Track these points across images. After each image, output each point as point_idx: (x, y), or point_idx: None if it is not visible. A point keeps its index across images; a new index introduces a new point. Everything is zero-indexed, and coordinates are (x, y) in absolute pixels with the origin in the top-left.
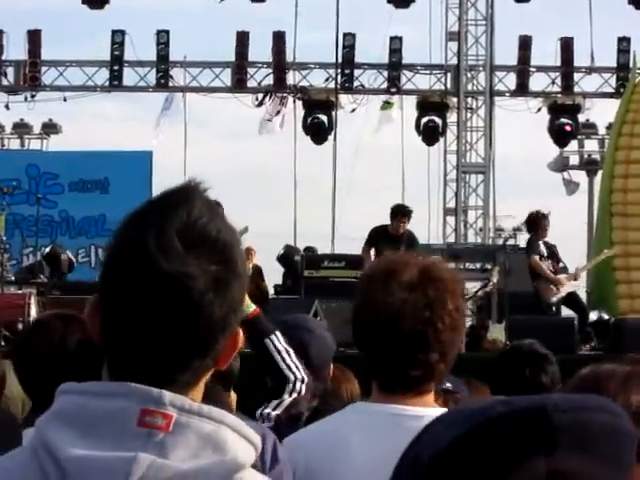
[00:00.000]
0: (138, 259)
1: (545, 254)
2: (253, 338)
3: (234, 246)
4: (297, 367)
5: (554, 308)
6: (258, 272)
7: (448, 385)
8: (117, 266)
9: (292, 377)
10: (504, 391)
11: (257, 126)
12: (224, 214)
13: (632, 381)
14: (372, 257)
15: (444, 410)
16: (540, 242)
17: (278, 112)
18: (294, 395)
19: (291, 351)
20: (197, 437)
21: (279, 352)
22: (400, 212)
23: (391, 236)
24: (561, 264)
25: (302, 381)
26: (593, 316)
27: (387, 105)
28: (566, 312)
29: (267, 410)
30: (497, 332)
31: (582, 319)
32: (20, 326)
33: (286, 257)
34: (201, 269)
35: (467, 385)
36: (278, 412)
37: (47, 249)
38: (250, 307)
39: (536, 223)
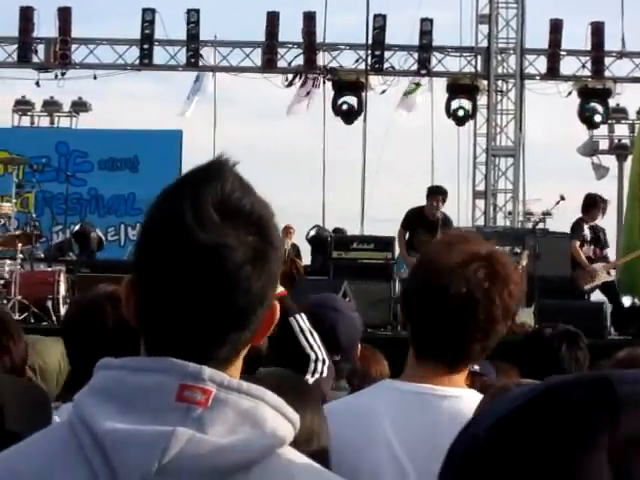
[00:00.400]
0: (175, 231)
1: (588, 239)
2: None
3: (269, 219)
4: (319, 348)
5: (586, 296)
6: (296, 251)
7: (476, 367)
8: (153, 240)
9: (313, 356)
10: (535, 374)
11: (287, 106)
12: (254, 189)
13: None
14: (406, 239)
15: (473, 391)
16: (585, 226)
17: (308, 93)
18: (316, 376)
19: (314, 332)
20: (236, 413)
21: (302, 331)
22: (435, 192)
23: (427, 219)
24: (606, 250)
25: (323, 362)
26: (626, 302)
27: (413, 87)
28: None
29: None
30: (526, 316)
31: (617, 308)
32: (49, 304)
33: (316, 238)
34: (239, 240)
35: (495, 368)
36: None
37: (76, 227)
38: (279, 288)
39: (591, 205)
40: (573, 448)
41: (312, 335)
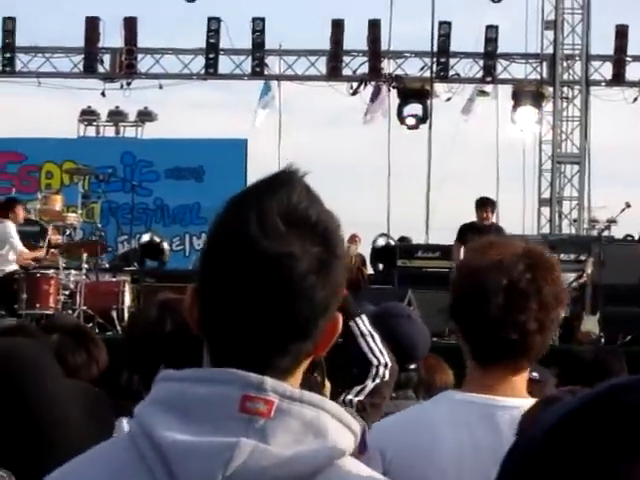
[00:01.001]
0: (240, 240)
1: None
2: None
3: (335, 230)
4: (381, 352)
5: None
6: (362, 259)
7: (535, 375)
8: (218, 248)
9: (375, 361)
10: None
11: (352, 114)
12: (320, 198)
13: None
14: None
15: (534, 400)
16: None
17: (375, 100)
18: (377, 381)
19: (376, 335)
20: (298, 423)
21: (363, 335)
22: (483, 203)
23: (479, 229)
24: None
25: (385, 366)
26: None
27: (482, 94)
28: None
29: (349, 397)
30: (591, 324)
31: None
32: (114, 314)
33: (382, 246)
34: (303, 250)
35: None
36: (360, 398)
37: (145, 237)
38: None
39: None
40: (630, 453)
41: (373, 338)
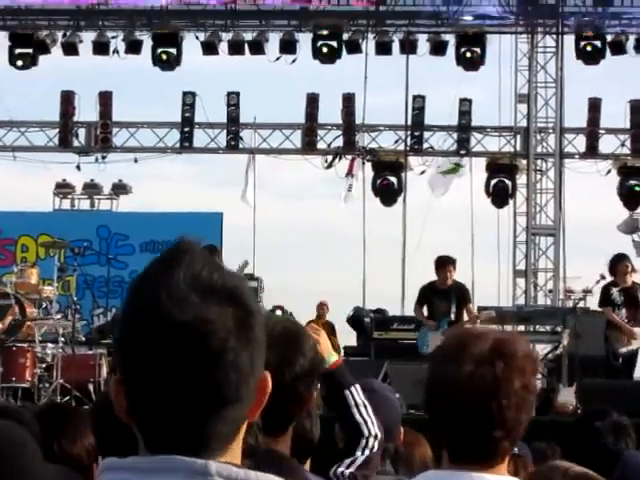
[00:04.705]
0: (152, 314)
1: (619, 303)
2: (332, 389)
3: (243, 288)
4: (372, 422)
5: (621, 359)
6: (331, 328)
7: (515, 450)
8: (133, 329)
9: (366, 432)
10: (579, 458)
11: (326, 187)
12: (222, 262)
13: None
14: (425, 314)
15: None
16: (614, 290)
17: (351, 175)
18: (366, 452)
19: (368, 406)
20: None
21: (357, 405)
22: (444, 262)
23: (440, 290)
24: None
25: (375, 437)
26: None
27: (451, 167)
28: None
29: (340, 469)
30: (567, 395)
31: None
32: (91, 387)
33: (355, 319)
34: (217, 314)
35: (534, 449)
36: (352, 470)
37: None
38: (332, 357)
39: (613, 267)
40: None
41: (366, 409)
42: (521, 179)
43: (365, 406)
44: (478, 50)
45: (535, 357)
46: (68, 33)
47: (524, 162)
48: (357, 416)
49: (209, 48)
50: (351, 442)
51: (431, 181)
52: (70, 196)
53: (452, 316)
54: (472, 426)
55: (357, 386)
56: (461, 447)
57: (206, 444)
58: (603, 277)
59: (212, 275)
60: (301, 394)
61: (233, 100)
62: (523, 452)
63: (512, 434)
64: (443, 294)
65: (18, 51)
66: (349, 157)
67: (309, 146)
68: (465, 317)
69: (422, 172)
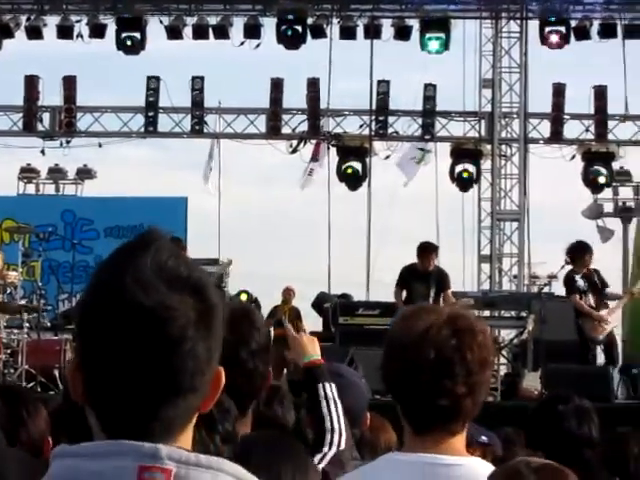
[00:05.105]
0: (115, 296)
1: (584, 288)
2: (308, 382)
3: (207, 282)
4: (339, 420)
5: (602, 346)
6: (296, 314)
7: (484, 439)
8: (95, 310)
9: (329, 426)
10: (542, 443)
11: (291, 172)
12: (187, 255)
13: None
14: (403, 297)
15: (475, 459)
16: (577, 277)
17: (316, 159)
18: (333, 448)
19: (339, 404)
20: None
21: (327, 399)
22: (427, 249)
23: (420, 273)
24: (607, 290)
25: (340, 434)
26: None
27: (421, 155)
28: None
29: None
30: (532, 380)
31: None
32: (56, 372)
33: (319, 305)
34: (181, 301)
35: (501, 433)
36: (322, 465)
37: None
38: (316, 355)
39: (581, 256)
40: None
41: (335, 406)
42: (485, 164)
43: (335, 403)
44: (442, 35)
45: (488, 329)
46: (32, 17)
47: (488, 147)
48: (324, 409)
49: (173, 32)
50: (317, 437)
51: (401, 164)
52: (35, 181)
53: (430, 301)
54: (432, 383)
55: (333, 385)
56: (422, 412)
57: (158, 431)
58: (568, 262)
59: (178, 265)
60: (260, 371)
61: (197, 84)
62: (493, 441)
63: (474, 393)
64: (423, 278)
65: None
66: (314, 142)
67: (274, 131)
68: (441, 304)
69: (387, 157)
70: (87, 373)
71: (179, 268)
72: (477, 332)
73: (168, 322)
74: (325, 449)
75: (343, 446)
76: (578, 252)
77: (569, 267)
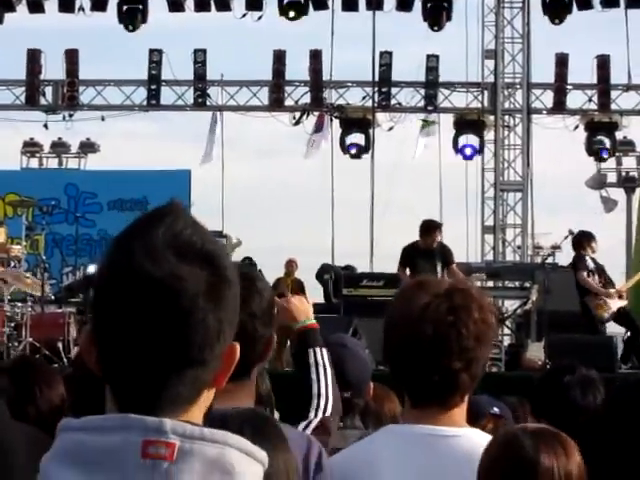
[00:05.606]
0: (125, 268)
1: (593, 268)
2: (300, 348)
3: (221, 254)
4: (326, 385)
5: (606, 325)
6: (299, 286)
7: (496, 410)
8: (107, 282)
9: (316, 392)
10: (547, 412)
11: (294, 143)
12: (206, 227)
13: None
14: (407, 276)
15: (474, 430)
16: (587, 257)
17: (319, 131)
18: (319, 414)
19: (329, 370)
20: (202, 462)
21: (317, 365)
22: (431, 227)
23: (423, 251)
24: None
25: (326, 400)
26: None
27: (426, 124)
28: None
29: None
30: (536, 350)
31: (635, 336)
32: (60, 345)
33: (322, 276)
34: (191, 273)
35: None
36: (309, 431)
37: (90, 268)
38: (309, 320)
39: (587, 241)
40: None
41: (325, 371)
42: (489, 135)
43: (325, 368)
44: (445, 5)
45: (491, 300)
46: None
47: (491, 118)
48: (313, 375)
49: (175, 5)
50: (303, 402)
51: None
52: (38, 155)
53: (438, 276)
54: (429, 359)
55: (324, 350)
56: (419, 386)
57: (165, 404)
58: (571, 233)
59: (192, 236)
60: (261, 334)
61: (200, 57)
62: (504, 412)
63: (471, 367)
64: (427, 255)
65: None
66: (316, 114)
67: (276, 103)
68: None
69: (390, 128)
70: (100, 345)
71: (192, 238)
72: (474, 308)
73: (177, 293)
74: (311, 415)
75: (329, 412)
76: (588, 239)
77: (571, 237)
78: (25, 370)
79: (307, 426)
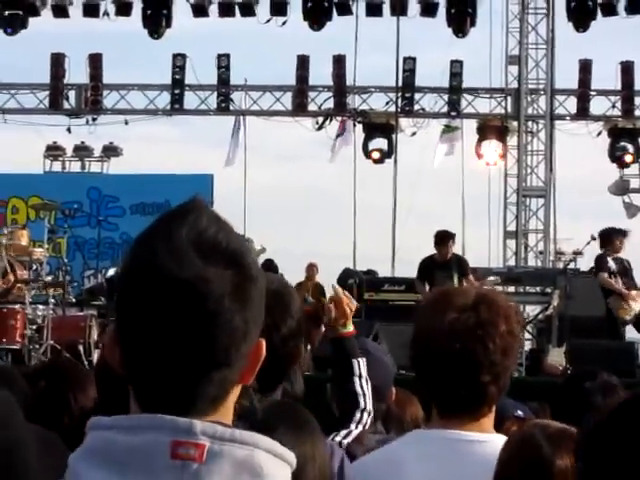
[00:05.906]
0: (150, 269)
1: (615, 270)
2: (341, 354)
3: (246, 253)
4: (369, 398)
5: (629, 325)
6: (320, 290)
7: (520, 413)
8: (130, 283)
9: (362, 404)
10: (568, 417)
11: (317, 148)
12: (229, 223)
13: None
14: (426, 289)
15: (500, 436)
16: (609, 258)
17: (342, 136)
18: (360, 427)
19: (369, 381)
20: (232, 464)
21: (360, 377)
22: (445, 237)
23: (440, 263)
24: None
25: (369, 413)
26: None
27: (448, 129)
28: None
29: (337, 438)
30: (557, 356)
31: None
32: (81, 348)
33: (344, 281)
34: (216, 274)
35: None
36: (349, 440)
37: (112, 271)
38: (348, 327)
39: (609, 239)
40: None
41: (367, 384)
42: (512, 141)
43: (367, 381)
44: (469, 11)
45: (516, 306)
46: None
47: (515, 124)
48: (357, 387)
49: (199, 10)
50: (347, 412)
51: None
52: (61, 158)
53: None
54: (458, 373)
55: (364, 360)
56: (448, 398)
57: (194, 405)
58: (594, 238)
59: (217, 235)
60: (290, 353)
61: (223, 62)
62: (528, 415)
63: (499, 380)
64: (444, 267)
65: (7, 13)
66: (340, 119)
67: (300, 108)
68: None
69: (413, 134)
70: (124, 346)
71: (217, 238)
72: (500, 321)
73: (203, 295)
74: (352, 426)
75: (368, 424)
76: (608, 235)
77: (593, 243)
78: (57, 376)
79: (347, 435)
